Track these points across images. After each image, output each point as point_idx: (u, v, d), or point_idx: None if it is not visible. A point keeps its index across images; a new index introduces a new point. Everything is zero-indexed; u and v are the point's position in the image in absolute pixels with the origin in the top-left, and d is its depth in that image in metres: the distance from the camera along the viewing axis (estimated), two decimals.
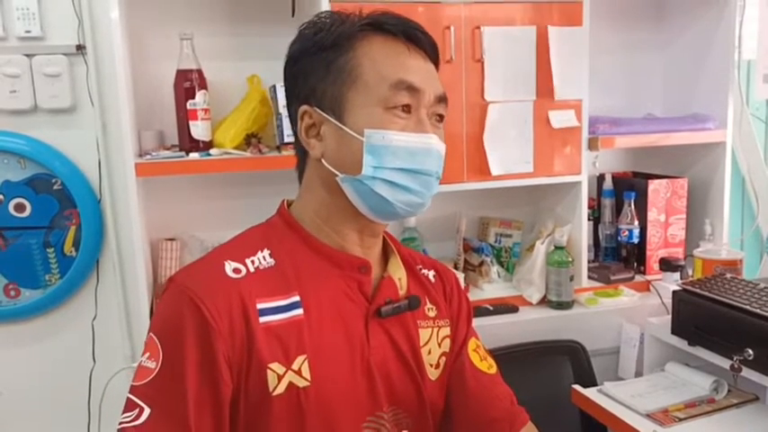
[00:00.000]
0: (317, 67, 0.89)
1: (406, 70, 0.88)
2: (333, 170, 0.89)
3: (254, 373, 0.83)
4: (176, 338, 0.82)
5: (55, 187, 1.82)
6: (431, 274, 1.05)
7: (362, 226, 0.93)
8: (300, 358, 0.85)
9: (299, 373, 0.85)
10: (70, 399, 1.90)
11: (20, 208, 1.82)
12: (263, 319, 0.85)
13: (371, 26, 0.90)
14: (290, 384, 0.85)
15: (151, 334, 0.85)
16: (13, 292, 1.85)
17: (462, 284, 1.84)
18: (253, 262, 0.88)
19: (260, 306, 0.85)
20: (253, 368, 0.83)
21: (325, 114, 0.89)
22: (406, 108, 0.88)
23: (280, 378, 0.84)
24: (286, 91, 0.96)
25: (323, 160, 0.90)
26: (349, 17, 0.91)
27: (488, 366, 1.05)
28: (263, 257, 0.90)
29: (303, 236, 0.92)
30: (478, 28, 1.73)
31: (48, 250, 1.84)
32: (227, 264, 0.87)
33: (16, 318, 1.87)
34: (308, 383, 0.85)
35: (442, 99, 0.92)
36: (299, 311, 0.87)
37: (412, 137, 0.88)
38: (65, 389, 1.90)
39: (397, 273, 0.98)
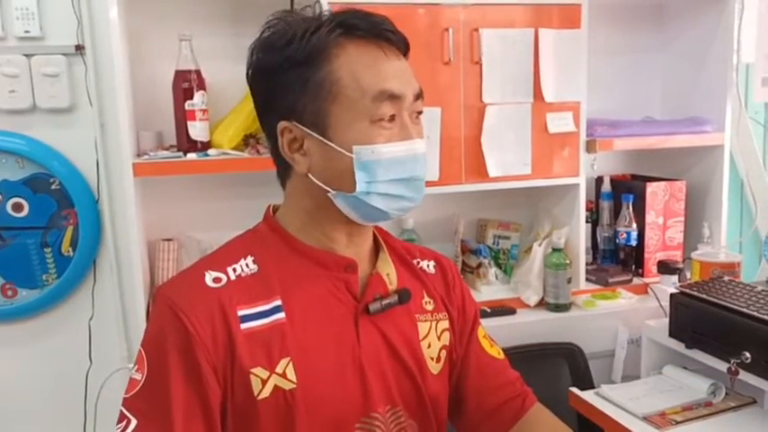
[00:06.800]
0: (293, 83, 0.86)
1: (386, 78, 0.86)
2: (323, 186, 0.88)
3: (237, 378, 0.84)
4: (160, 350, 0.84)
5: (53, 187, 1.82)
6: (431, 264, 1.05)
7: (351, 229, 0.93)
8: (284, 361, 0.86)
9: (283, 375, 0.85)
10: (66, 399, 1.90)
11: (18, 207, 1.81)
12: (244, 326, 0.85)
13: (343, 31, 0.86)
14: (276, 388, 0.85)
15: (140, 347, 0.87)
16: (10, 292, 1.84)
17: None
18: (234, 270, 0.89)
19: (241, 313, 0.86)
20: (236, 374, 0.84)
21: (307, 130, 0.87)
22: (391, 118, 0.87)
23: (264, 382, 0.85)
24: (258, 102, 0.93)
25: (310, 175, 0.89)
26: (317, 22, 0.87)
27: (498, 352, 1.08)
28: (246, 264, 0.90)
29: (288, 240, 0.92)
30: (477, 30, 1.73)
31: (45, 250, 1.84)
32: (207, 274, 0.88)
33: (13, 317, 1.86)
34: (295, 385, 0.86)
35: (419, 96, 0.90)
36: (281, 315, 0.87)
37: (399, 146, 0.87)
38: (61, 389, 1.90)
39: (386, 268, 0.97)
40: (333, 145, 0.86)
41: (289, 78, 0.87)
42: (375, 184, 0.86)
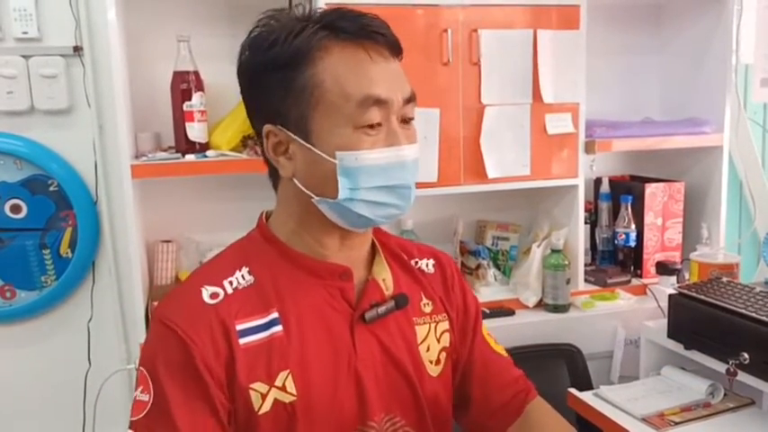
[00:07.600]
0: (276, 87, 0.84)
1: (371, 82, 0.83)
2: (306, 191, 0.87)
3: (238, 394, 0.84)
4: (164, 369, 0.83)
5: (51, 189, 1.82)
6: (429, 263, 1.04)
7: (343, 234, 0.91)
8: (283, 374, 0.85)
9: (283, 389, 0.85)
10: (65, 400, 1.90)
11: (16, 209, 1.81)
12: (242, 341, 0.84)
13: (328, 33, 0.83)
14: (276, 401, 0.85)
15: (141, 368, 0.85)
16: (8, 294, 1.84)
17: None
18: (231, 283, 0.88)
19: (239, 327, 0.85)
20: (237, 389, 0.84)
21: (291, 134, 0.85)
22: (377, 124, 0.84)
23: (263, 397, 0.84)
24: (245, 102, 0.91)
25: (294, 179, 0.87)
26: (304, 22, 0.85)
27: (501, 350, 1.08)
28: (242, 276, 0.89)
29: (281, 249, 0.91)
30: (476, 31, 1.73)
31: (44, 252, 1.84)
32: (203, 290, 0.86)
33: (12, 319, 1.86)
34: (295, 398, 0.85)
35: (410, 99, 0.87)
36: (279, 328, 0.86)
37: (385, 152, 0.84)
38: (60, 391, 1.90)
39: (382, 273, 0.96)
40: (316, 150, 0.84)
41: (272, 81, 0.85)
42: (358, 191, 0.84)
